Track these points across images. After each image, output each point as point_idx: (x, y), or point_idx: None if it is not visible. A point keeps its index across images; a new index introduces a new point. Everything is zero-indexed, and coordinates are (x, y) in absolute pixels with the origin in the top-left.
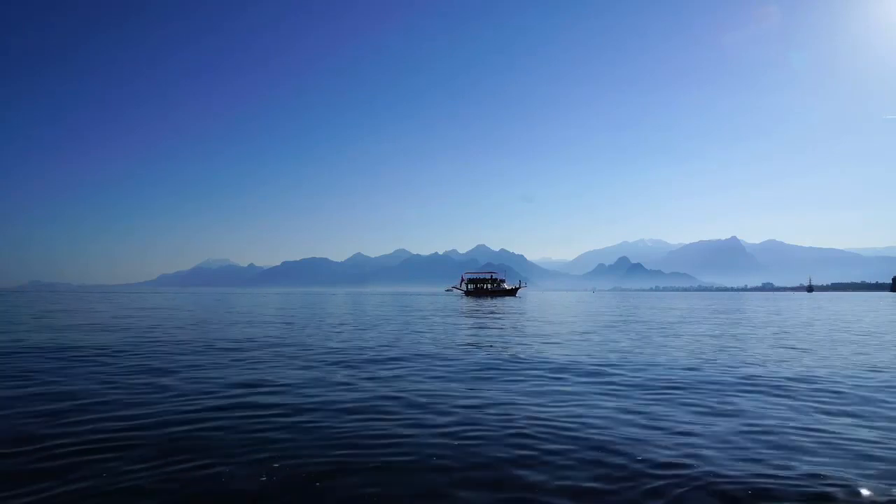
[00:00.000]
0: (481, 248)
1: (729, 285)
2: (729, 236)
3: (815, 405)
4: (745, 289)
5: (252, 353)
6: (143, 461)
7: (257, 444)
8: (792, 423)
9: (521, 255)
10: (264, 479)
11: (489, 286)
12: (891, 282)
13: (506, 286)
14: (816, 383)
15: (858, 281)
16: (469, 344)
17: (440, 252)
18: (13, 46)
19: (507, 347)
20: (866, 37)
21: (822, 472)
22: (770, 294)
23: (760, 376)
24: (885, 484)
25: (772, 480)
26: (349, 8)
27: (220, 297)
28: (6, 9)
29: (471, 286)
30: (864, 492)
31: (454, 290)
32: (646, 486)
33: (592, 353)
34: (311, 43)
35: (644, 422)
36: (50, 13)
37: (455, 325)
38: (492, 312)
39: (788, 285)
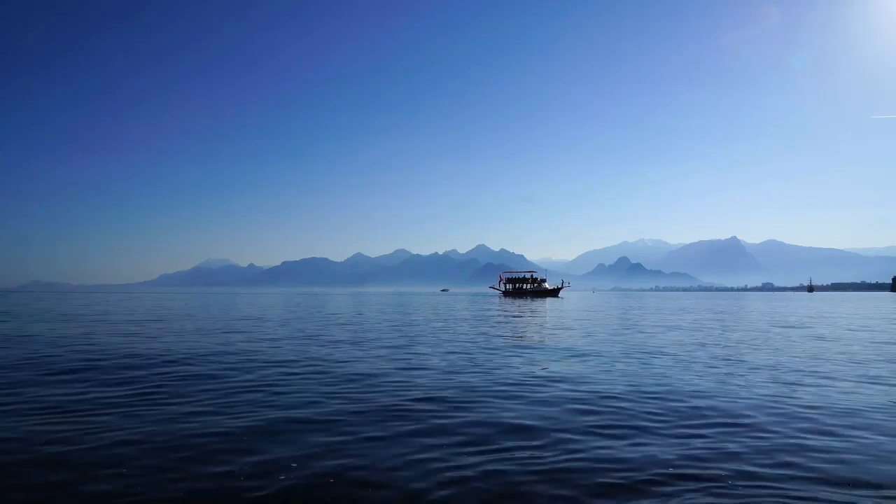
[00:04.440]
0: (481, 248)
1: (729, 285)
2: (729, 236)
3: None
4: (745, 289)
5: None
6: None
7: None
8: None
9: (521, 255)
10: None
11: (528, 286)
12: (891, 282)
13: (547, 286)
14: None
15: (858, 281)
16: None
17: (440, 252)
18: (13, 46)
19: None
20: (866, 37)
21: None
22: (770, 294)
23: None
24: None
25: None
26: (349, 8)
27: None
28: (6, 9)
29: (510, 286)
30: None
31: (491, 289)
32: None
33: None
34: (311, 43)
35: None
36: (50, 13)
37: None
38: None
39: (788, 285)
